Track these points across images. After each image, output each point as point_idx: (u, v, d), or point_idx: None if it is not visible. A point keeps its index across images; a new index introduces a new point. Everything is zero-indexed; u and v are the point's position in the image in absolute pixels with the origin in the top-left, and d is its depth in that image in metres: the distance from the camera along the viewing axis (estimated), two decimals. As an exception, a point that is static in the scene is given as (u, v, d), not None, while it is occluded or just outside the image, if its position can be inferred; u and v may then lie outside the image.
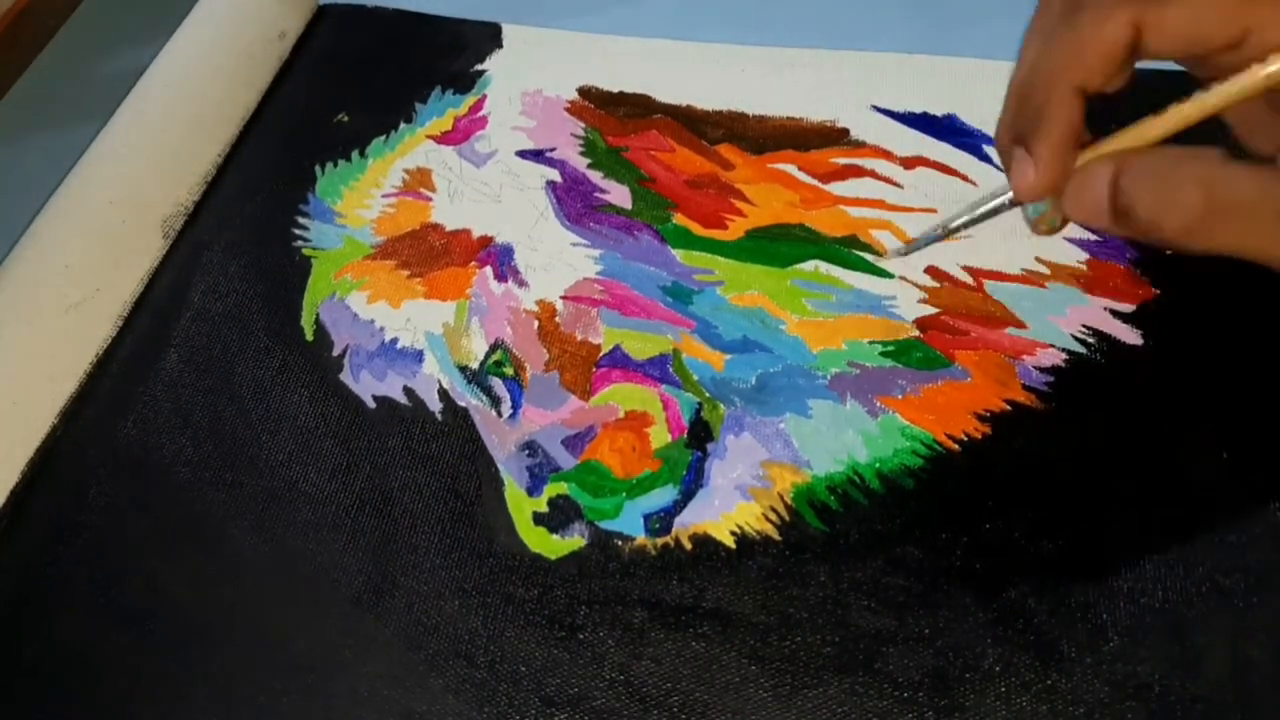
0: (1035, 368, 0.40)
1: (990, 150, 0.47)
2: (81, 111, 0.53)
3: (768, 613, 0.36)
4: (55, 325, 0.44)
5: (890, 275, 0.44)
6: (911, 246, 0.37)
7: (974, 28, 0.53)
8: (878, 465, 0.39)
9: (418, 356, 0.43)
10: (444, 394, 0.42)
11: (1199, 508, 0.36)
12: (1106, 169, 0.27)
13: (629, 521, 0.38)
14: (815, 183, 0.47)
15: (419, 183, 0.50)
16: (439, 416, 0.42)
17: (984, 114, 0.48)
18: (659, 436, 0.40)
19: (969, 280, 0.43)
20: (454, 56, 0.55)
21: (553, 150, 0.50)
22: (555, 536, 0.38)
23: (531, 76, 0.53)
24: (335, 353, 0.44)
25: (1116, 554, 0.36)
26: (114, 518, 0.40)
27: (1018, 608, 0.35)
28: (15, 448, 0.41)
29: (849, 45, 0.52)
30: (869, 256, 0.44)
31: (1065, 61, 0.27)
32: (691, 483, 0.39)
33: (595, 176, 0.49)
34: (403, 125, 0.52)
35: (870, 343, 0.42)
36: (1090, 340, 0.41)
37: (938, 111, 0.49)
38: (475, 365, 0.43)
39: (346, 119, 0.52)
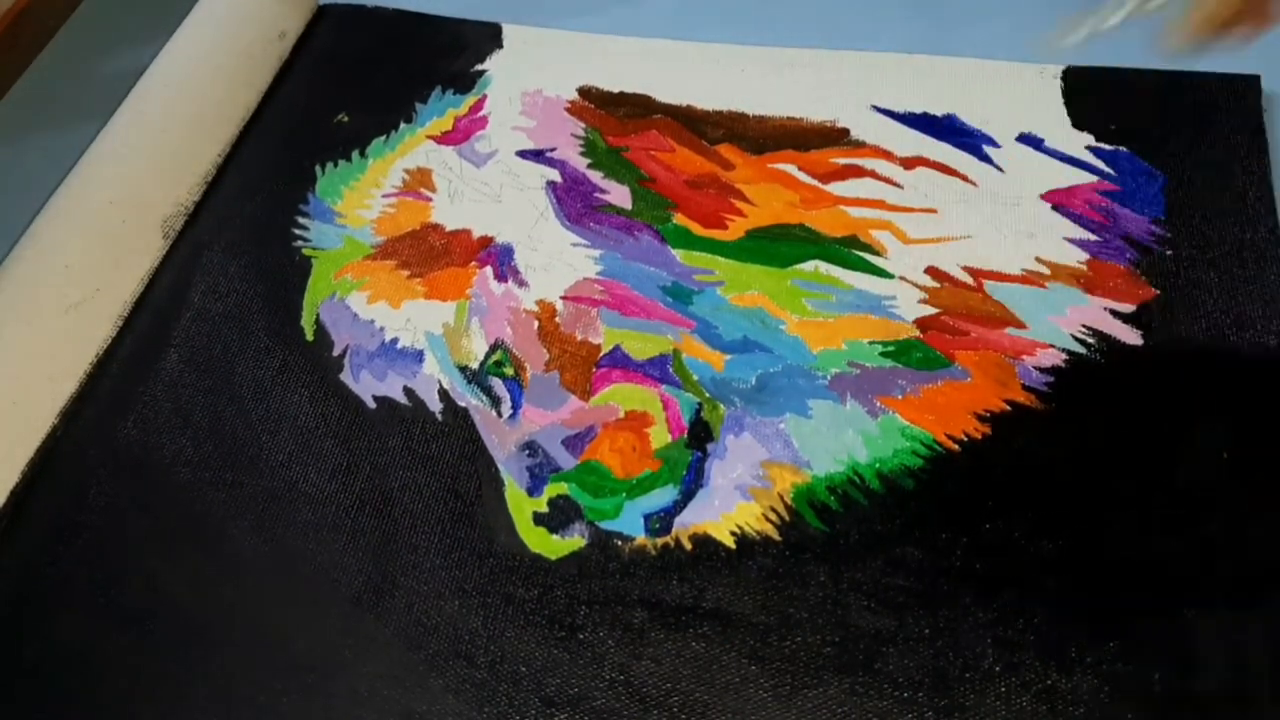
0: (1035, 368, 0.40)
1: (990, 150, 0.47)
2: (81, 111, 0.53)
3: (768, 613, 0.36)
4: (55, 325, 0.44)
5: (890, 275, 0.44)
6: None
7: (974, 28, 0.53)
8: (878, 465, 0.39)
9: (418, 357, 0.43)
10: (444, 394, 0.42)
11: (1199, 508, 0.36)
12: None
13: (629, 521, 0.38)
14: (815, 183, 0.47)
15: (419, 183, 0.50)
16: (439, 417, 0.42)
17: (984, 114, 0.48)
18: (659, 437, 0.40)
19: (969, 280, 0.43)
20: (454, 56, 0.55)
21: (553, 150, 0.50)
22: (555, 537, 0.38)
23: (531, 76, 0.53)
24: (335, 353, 0.44)
25: (1116, 554, 0.36)
26: (114, 518, 0.40)
27: (1018, 608, 0.35)
28: (15, 448, 0.41)
29: (849, 45, 0.52)
30: (869, 256, 0.44)
31: None
32: (691, 483, 0.39)
33: (595, 176, 0.49)
34: (403, 125, 0.52)
35: (870, 343, 0.42)
36: (1090, 340, 0.41)
37: (938, 111, 0.49)
38: (475, 365, 0.43)
39: (346, 119, 0.52)
